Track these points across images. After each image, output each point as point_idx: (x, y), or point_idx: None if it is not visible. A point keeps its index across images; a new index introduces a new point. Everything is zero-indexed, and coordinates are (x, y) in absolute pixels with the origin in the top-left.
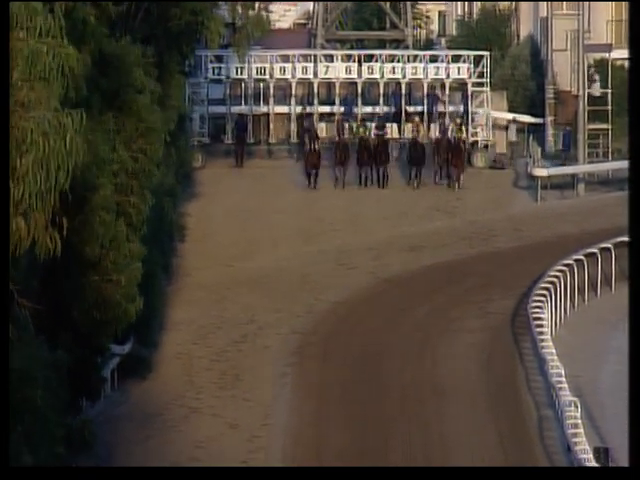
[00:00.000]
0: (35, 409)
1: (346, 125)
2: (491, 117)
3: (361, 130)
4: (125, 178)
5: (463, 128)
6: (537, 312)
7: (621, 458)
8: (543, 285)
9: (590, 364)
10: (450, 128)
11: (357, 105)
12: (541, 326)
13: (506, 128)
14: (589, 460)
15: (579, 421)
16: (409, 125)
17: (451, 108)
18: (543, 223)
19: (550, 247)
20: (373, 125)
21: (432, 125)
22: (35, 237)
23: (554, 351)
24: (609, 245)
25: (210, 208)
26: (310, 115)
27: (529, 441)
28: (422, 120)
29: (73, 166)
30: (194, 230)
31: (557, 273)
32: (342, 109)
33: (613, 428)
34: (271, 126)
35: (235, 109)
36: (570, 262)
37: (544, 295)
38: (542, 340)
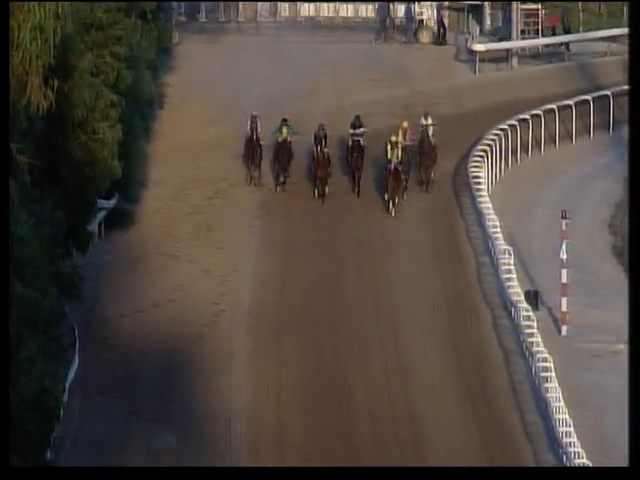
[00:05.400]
0: (30, 260)
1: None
2: None
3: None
4: (99, 37)
5: (430, 130)
6: (475, 171)
7: (548, 300)
8: (481, 147)
9: (522, 216)
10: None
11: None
12: (479, 183)
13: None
14: (521, 302)
15: (512, 267)
16: (399, 131)
17: None
18: (481, 92)
19: (487, 114)
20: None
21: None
22: (31, 97)
23: (490, 205)
24: (539, 112)
25: (187, 79)
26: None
27: (468, 285)
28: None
29: (64, 30)
30: (172, 98)
31: (493, 137)
32: None
33: (542, 273)
34: (240, 6)
35: None
36: (505, 127)
37: (482, 156)
38: (480, 196)
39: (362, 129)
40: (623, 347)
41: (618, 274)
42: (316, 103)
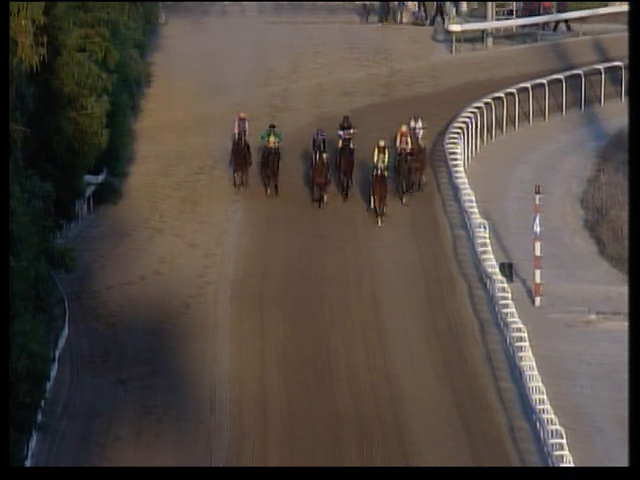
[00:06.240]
0: (22, 234)
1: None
2: None
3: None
4: (88, 18)
5: (420, 133)
6: (452, 147)
7: (522, 272)
8: (457, 124)
9: (497, 191)
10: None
11: None
12: (455, 159)
13: None
14: (496, 274)
15: (487, 240)
16: (397, 135)
17: None
18: (457, 71)
19: (463, 92)
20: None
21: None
22: (22, 56)
23: (466, 180)
24: (513, 90)
25: (173, 58)
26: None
27: (445, 257)
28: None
29: None
30: (159, 77)
31: (469, 114)
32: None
33: (516, 246)
34: None
35: None
36: (480, 105)
37: (458, 133)
38: (456, 171)
39: (352, 130)
40: (594, 317)
41: (589, 247)
42: (298, 82)
